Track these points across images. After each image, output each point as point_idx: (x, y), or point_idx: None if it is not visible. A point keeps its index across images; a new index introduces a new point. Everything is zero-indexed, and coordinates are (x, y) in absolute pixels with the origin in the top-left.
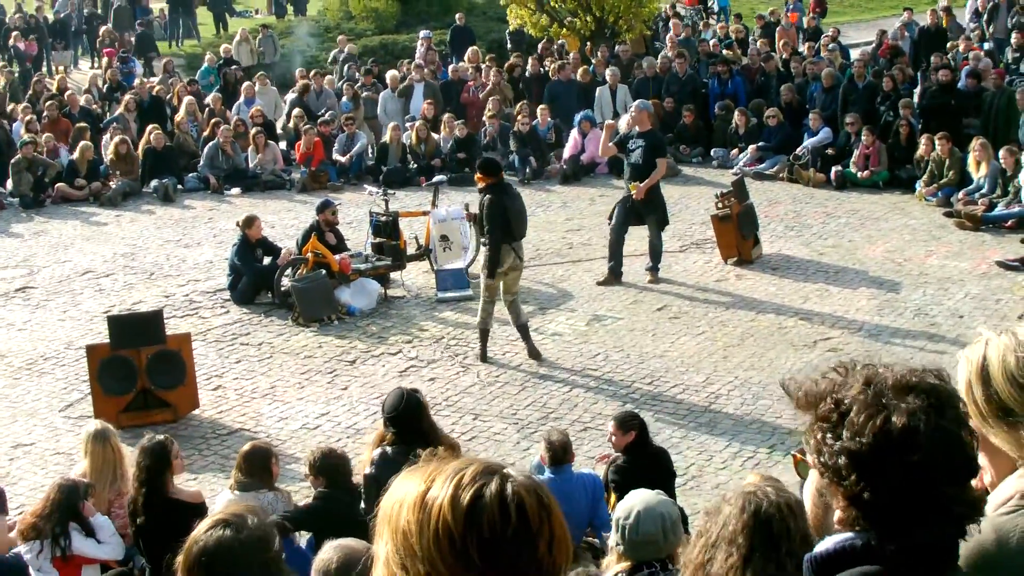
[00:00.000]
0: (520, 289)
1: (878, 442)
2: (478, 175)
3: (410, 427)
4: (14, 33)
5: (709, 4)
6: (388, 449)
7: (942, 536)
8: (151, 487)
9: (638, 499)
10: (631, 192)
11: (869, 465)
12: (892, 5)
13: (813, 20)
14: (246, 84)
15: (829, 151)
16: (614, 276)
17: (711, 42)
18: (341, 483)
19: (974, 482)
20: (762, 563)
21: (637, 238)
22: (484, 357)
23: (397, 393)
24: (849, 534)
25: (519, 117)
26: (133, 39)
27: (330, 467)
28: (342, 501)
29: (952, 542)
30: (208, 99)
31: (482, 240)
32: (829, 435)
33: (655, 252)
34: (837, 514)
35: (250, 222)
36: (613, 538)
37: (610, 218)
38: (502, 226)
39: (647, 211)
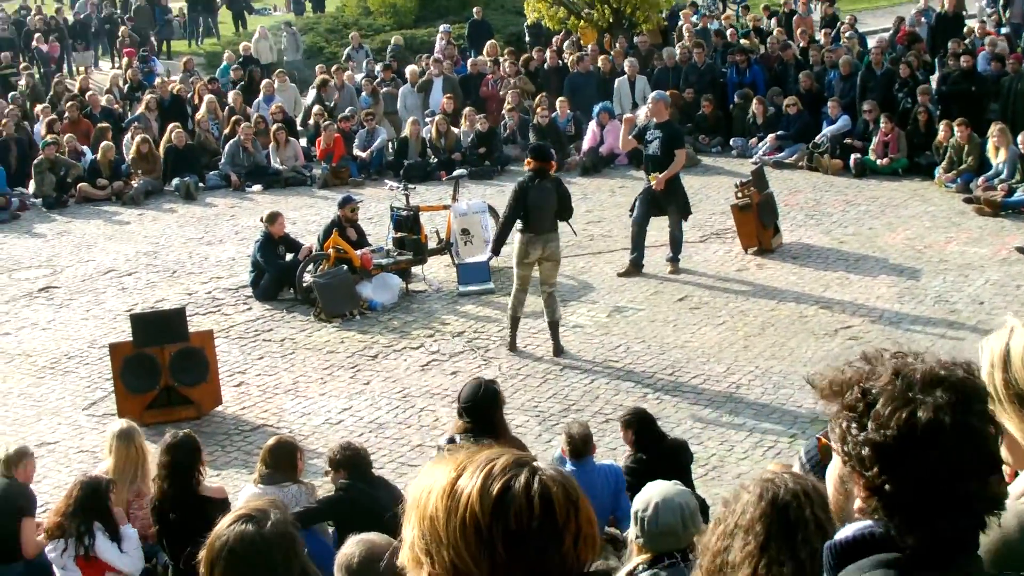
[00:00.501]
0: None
1: (902, 435)
2: (527, 159)
3: (483, 418)
4: (36, 35)
5: None
6: (457, 438)
7: (962, 529)
8: (178, 484)
9: (656, 491)
10: (651, 183)
11: (892, 457)
12: None
13: (830, 8)
14: (265, 81)
15: (848, 139)
16: (635, 267)
17: (728, 32)
18: (361, 475)
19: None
20: (777, 551)
21: (657, 228)
22: (513, 346)
23: (475, 383)
24: (869, 522)
25: (538, 110)
26: (153, 39)
27: (349, 460)
28: (364, 492)
29: (972, 534)
30: (229, 97)
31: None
32: (854, 424)
33: (675, 242)
34: (857, 503)
35: (273, 218)
36: (632, 530)
37: (631, 210)
38: (513, 211)
39: (667, 201)
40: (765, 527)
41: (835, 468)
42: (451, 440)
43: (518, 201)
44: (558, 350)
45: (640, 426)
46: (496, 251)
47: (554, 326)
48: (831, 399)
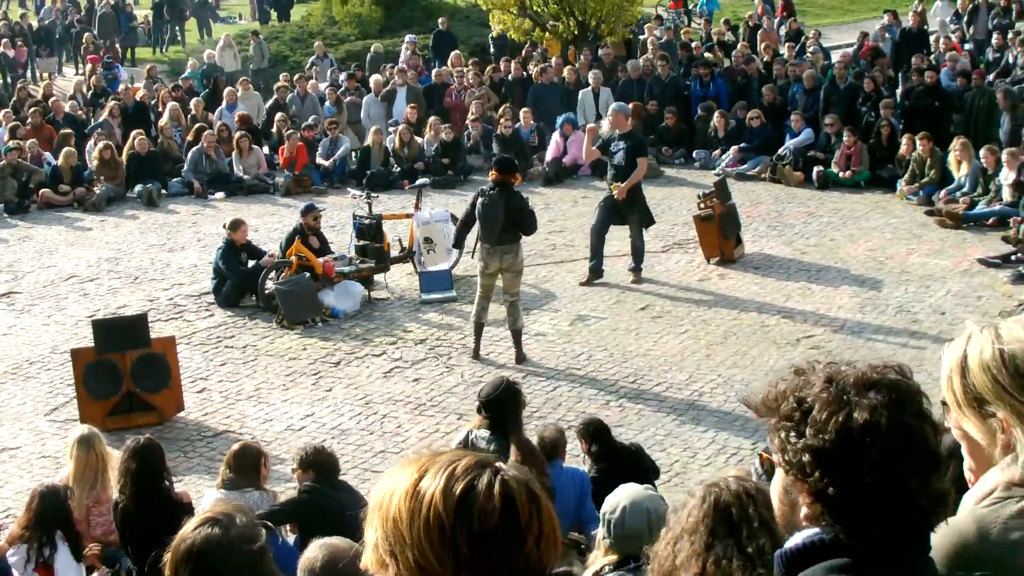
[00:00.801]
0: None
1: (840, 438)
2: (491, 170)
3: (501, 415)
4: (3, 40)
5: (690, 7)
6: (475, 432)
7: (908, 528)
8: (143, 487)
9: (625, 494)
10: (612, 192)
11: (832, 461)
12: (874, 7)
13: (795, 23)
14: (228, 89)
15: (811, 152)
16: (594, 274)
17: (693, 44)
18: (327, 478)
19: (969, 478)
20: (723, 548)
21: (619, 238)
22: (476, 354)
23: (497, 380)
24: (816, 529)
25: (502, 120)
26: (118, 45)
27: (321, 462)
28: (328, 495)
29: (919, 534)
30: (191, 104)
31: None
32: (792, 433)
33: (637, 252)
34: (804, 511)
35: (236, 225)
36: (600, 531)
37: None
38: (466, 215)
39: (628, 211)
40: (708, 528)
41: (778, 480)
42: (467, 436)
43: (471, 207)
44: (520, 358)
45: (594, 437)
46: (456, 246)
47: (516, 334)
48: (767, 415)
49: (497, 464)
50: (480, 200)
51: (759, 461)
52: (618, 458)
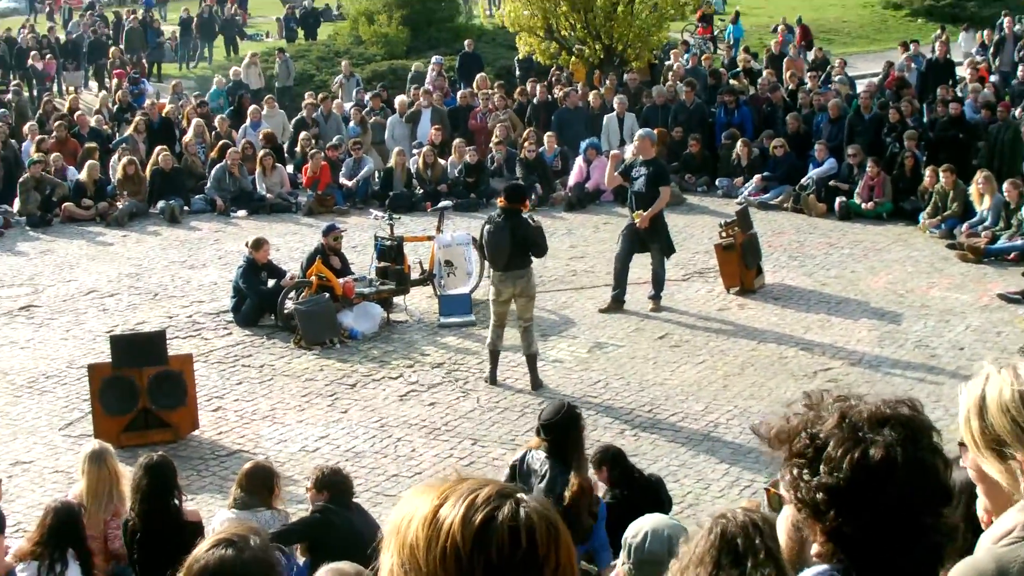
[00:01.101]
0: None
1: (856, 476)
2: (499, 198)
3: (562, 439)
4: (32, 53)
5: (717, 34)
6: (532, 453)
7: (919, 563)
8: (154, 505)
9: (648, 521)
10: (635, 220)
11: (848, 499)
12: (899, 36)
13: (820, 52)
14: (252, 107)
15: (833, 182)
16: (617, 303)
17: (720, 71)
18: (342, 500)
19: (982, 518)
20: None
21: (641, 266)
22: (493, 379)
23: (558, 404)
24: (826, 566)
25: (526, 144)
26: (144, 61)
27: (336, 483)
28: (341, 516)
29: (931, 568)
30: (216, 121)
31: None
32: (806, 471)
33: (658, 280)
34: (815, 547)
35: (259, 244)
36: (621, 557)
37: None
38: (479, 247)
39: (651, 239)
40: (714, 558)
41: (786, 517)
42: (524, 455)
43: (481, 235)
44: (536, 383)
45: (613, 463)
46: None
47: (531, 359)
48: (777, 447)
49: (519, 495)
50: (487, 228)
51: (766, 496)
52: (636, 486)
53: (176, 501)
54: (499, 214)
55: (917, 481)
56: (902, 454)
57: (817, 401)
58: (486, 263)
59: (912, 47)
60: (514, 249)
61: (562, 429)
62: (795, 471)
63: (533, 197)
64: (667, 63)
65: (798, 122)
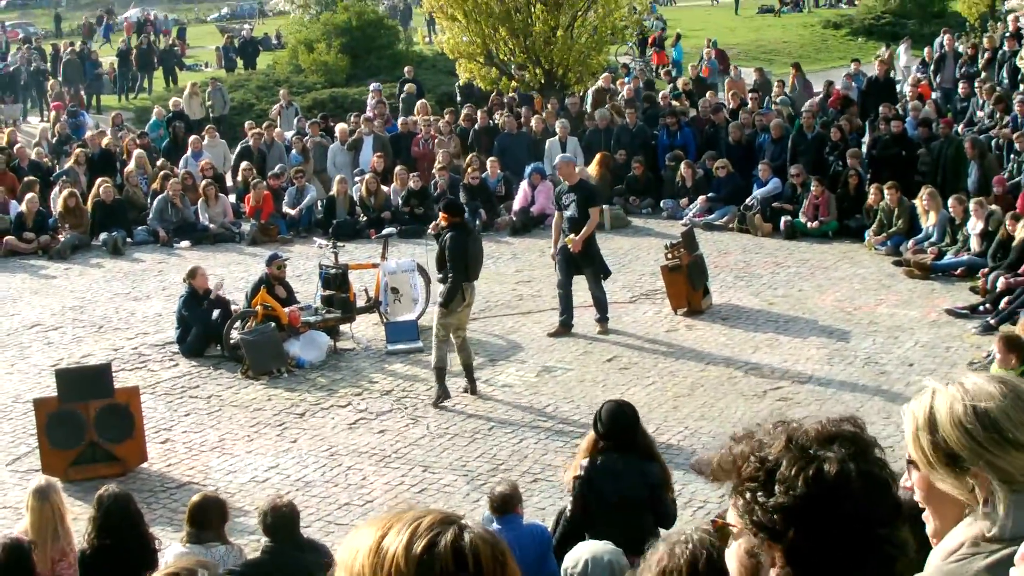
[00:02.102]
0: (470, 338)
1: (812, 492)
2: (442, 215)
3: (625, 436)
4: None
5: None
6: (600, 457)
7: None
8: (109, 537)
9: (587, 548)
10: (568, 245)
11: (806, 516)
12: (840, 56)
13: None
14: (193, 137)
15: (778, 202)
16: (565, 328)
17: (661, 94)
18: (289, 536)
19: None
20: None
21: (584, 289)
22: (446, 395)
23: (614, 404)
24: None
25: (469, 170)
26: (83, 93)
27: (277, 524)
28: (288, 555)
29: None
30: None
31: (439, 276)
32: (760, 493)
33: (600, 303)
34: (774, 572)
35: (194, 273)
36: None
37: (553, 258)
38: (461, 264)
39: (583, 262)
40: None
41: (737, 546)
42: (592, 459)
43: (464, 255)
44: (472, 390)
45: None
46: (446, 305)
47: (468, 368)
48: (723, 477)
49: (463, 522)
50: (468, 242)
51: (714, 527)
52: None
53: (142, 526)
54: (458, 230)
55: (871, 494)
56: (855, 468)
57: (756, 429)
58: (431, 288)
59: (853, 66)
60: None
61: (624, 427)
62: (748, 495)
63: (478, 223)
64: (597, 86)
65: (740, 131)
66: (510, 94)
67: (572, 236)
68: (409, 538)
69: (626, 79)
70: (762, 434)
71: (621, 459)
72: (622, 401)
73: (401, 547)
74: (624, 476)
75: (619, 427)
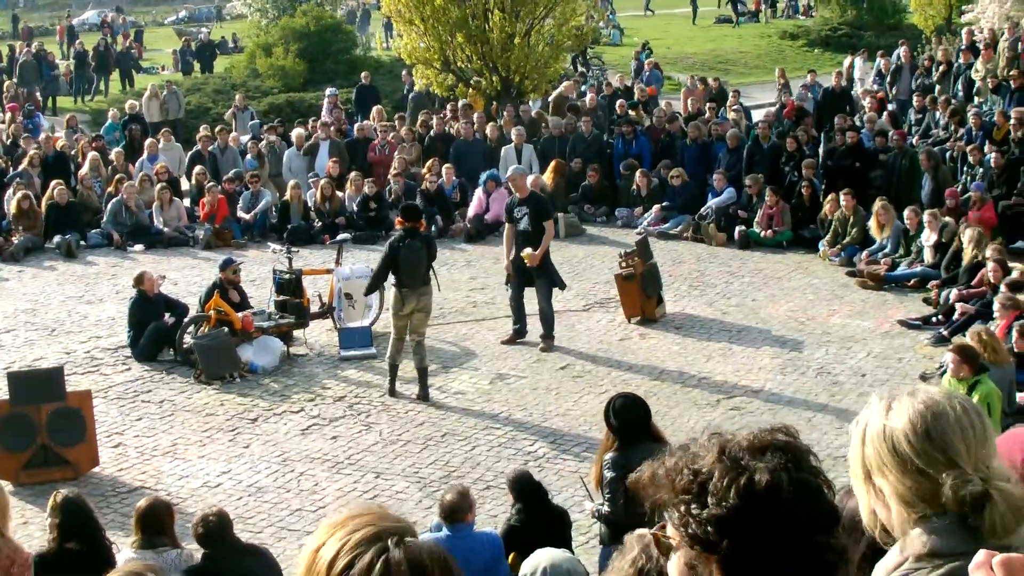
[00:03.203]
0: (427, 337)
1: (744, 503)
2: (397, 218)
3: (639, 428)
4: None
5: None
6: (628, 450)
7: None
8: (78, 531)
9: (544, 556)
10: (524, 259)
11: (739, 527)
12: (796, 67)
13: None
14: (149, 141)
15: (733, 211)
16: (518, 335)
17: (617, 104)
18: (224, 544)
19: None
20: None
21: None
22: (393, 391)
23: (625, 398)
24: None
25: (427, 175)
26: (39, 94)
27: (207, 535)
28: (227, 560)
29: None
30: (112, 155)
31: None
32: (693, 505)
33: (547, 320)
34: None
35: (140, 279)
36: None
37: (507, 283)
38: (383, 268)
39: (537, 275)
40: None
41: (677, 558)
42: (618, 463)
43: (390, 259)
44: (424, 396)
45: (524, 491)
46: (366, 294)
47: (423, 372)
48: (651, 491)
49: (395, 538)
50: (402, 251)
51: (654, 541)
52: (545, 514)
53: (101, 532)
54: (403, 236)
55: (804, 502)
56: (786, 477)
57: (690, 442)
58: (385, 295)
59: (809, 76)
60: (427, 265)
61: (638, 420)
62: (682, 508)
63: (433, 229)
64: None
65: (699, 131)
66: (464, 100)
67: (529, 250)
68: (335, 552)
69: (583, 87)
70: (696, 446)
71: (647, 447)
72: (629, 394)
73: (326, 562)
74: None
75: (638, 419)
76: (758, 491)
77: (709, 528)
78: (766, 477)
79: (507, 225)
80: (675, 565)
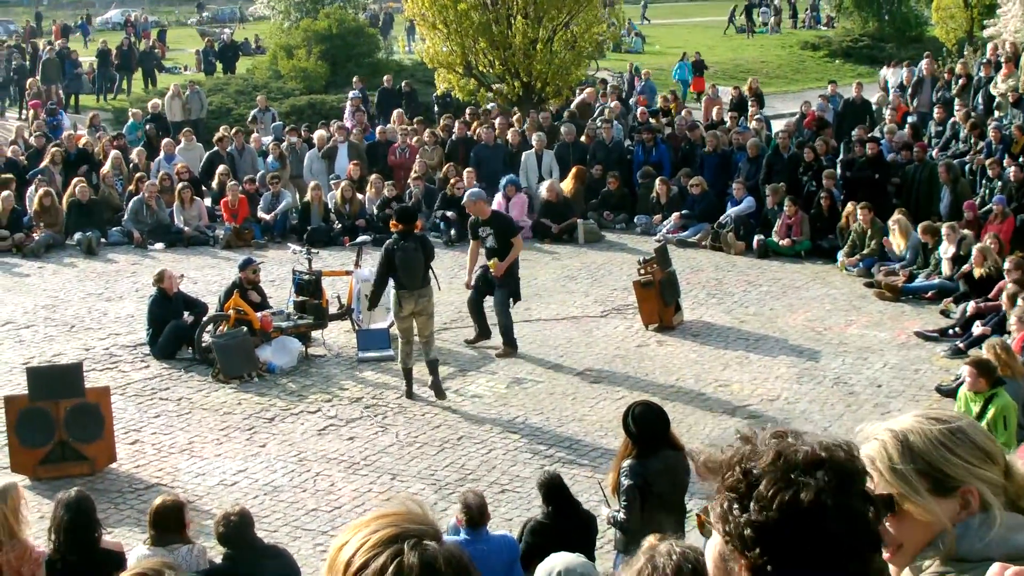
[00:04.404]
0: (440, 347)
1: (785, 517)
2: (392, 221)
3: (659, 436)
4: None
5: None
6: (648, 459)
7: None
8: (75, 540)
9: (560, 560)
10: (489, 267)
11: (775, 539)
12: (817, 77)
13: (736, 91)
14: (166, 140)
15: (752, 220)
16: (481, 338)
17: (638, 111)
18: (247, 544)
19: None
20: None
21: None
22: (410, 394)
23: (644, 406)
24: None
25: (452, 180)
26: (61, 92)
27: (228, 534)
28: (246, 560)
29: None
30: (133, 154)
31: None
32: (736, 505)
33: (506, 330)
34: None
35: (160, 277)
36: None
37: (468, 286)
38: (382, 273)
39: (500, 282)
40: None
41: (715, 545)
42: (636, 471)
43: (386, 264)
44: (437, 389)
45: (552, 493)
46: (372, 307)
47: (432, 364)
48: (705, 475)
49: (413, 540)
50: (397, 254)
51: (697, 521)
52: (573, 518)
53: (97, 535)
54: (398, 238)
55: (845, 527)
56: (833, 499)
57: (753, 436)
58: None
59: (830, 88)
60: (425, 268)
61: (659, 428)
62: (726, 504)
63: (453, 233)
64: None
65: (716, 140)
66: (486, 105)
67: (496, 260)
68: (353, 552)
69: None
70: (758, 441)
71: (665, 455)
72: (648, 402)
73: (343, 561)
74: (676, 470)
75: (657, 428)
76: (800, 509)
77: (746, 531)
78: (811, 497)
79: (472, 242)
80: (711, 548)
